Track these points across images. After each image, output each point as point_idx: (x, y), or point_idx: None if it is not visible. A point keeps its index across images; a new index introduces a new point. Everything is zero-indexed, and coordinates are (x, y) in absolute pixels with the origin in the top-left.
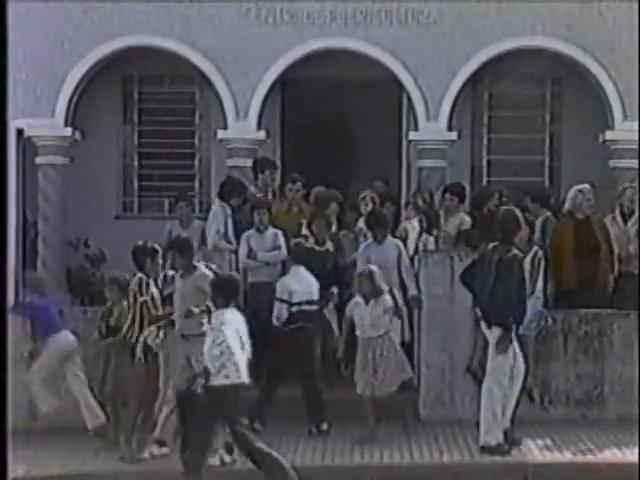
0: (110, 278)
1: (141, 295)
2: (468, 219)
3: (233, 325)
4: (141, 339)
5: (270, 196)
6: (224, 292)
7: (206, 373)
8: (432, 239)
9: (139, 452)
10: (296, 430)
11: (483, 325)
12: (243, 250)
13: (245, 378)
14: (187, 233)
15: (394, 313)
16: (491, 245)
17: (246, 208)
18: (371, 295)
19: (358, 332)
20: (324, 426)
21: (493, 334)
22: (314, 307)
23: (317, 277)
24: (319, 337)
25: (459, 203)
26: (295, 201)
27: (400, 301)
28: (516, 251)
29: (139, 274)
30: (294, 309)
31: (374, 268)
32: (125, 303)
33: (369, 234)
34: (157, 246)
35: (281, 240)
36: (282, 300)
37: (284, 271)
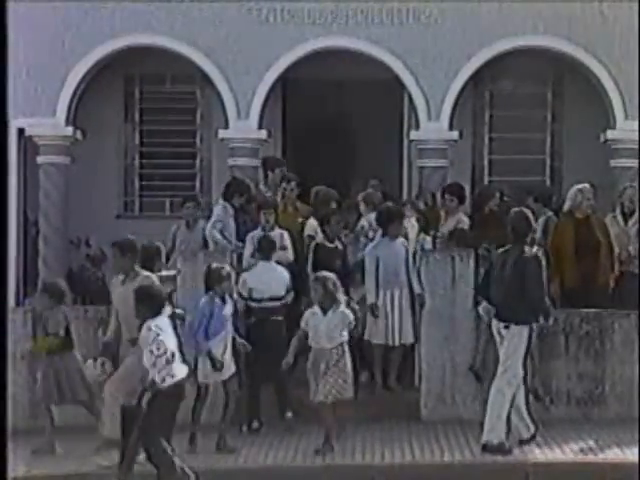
0: (42, 285)
1: None
2: (466, 219)
3: (168, 330)
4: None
5: (280, 195)
6: (147, 304)
7: (153, 385)
8: (429, 239)
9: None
10: (296, 430)
11: (497, 325)
12: (248, 250)
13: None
14: (192, 234)
15: (371, 313)
16: (501, 250)
17: (251, 208)
18: (327, 304)
19: (311, 342)
20: (289, 415)
21: (511, 332)
22: (278, 303)
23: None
24: (284, 330)
25: (459, 204)
26: (290, 200)
27: (388, 301)
28: (533, 250)
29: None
30: (254, 305)
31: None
32: (62, 309)
33: (370, 234)
34: (161, 245)
35: (287, 240)
36: (239, 295)
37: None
